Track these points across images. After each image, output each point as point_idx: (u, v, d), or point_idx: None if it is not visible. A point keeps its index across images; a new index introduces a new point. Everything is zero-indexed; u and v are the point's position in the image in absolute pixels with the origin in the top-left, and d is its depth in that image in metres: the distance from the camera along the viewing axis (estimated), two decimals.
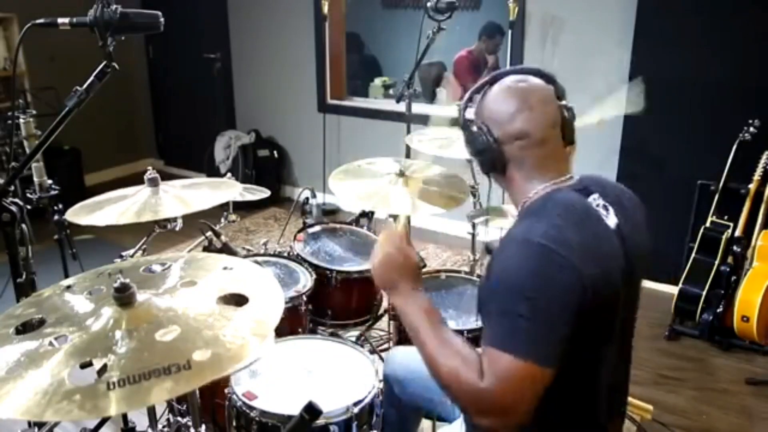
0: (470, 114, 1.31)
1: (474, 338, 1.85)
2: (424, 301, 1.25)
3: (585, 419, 1.28)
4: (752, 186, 3.02)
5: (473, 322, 2.00)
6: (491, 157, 1.26)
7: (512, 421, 1.07)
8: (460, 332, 1.92)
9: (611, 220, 1.23)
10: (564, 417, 1.23)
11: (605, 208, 1.24)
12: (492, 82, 1.31)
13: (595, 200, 1.24)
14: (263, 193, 2.49)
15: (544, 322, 1.07)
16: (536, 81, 1.29)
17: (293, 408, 1.43)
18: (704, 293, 3.01)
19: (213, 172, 4.99)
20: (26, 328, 1.15)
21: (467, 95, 1.34)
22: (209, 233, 2.05)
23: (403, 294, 1.27)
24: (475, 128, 1.27)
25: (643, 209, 1.33)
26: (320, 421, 1.42)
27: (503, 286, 1.12)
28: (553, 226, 1.14)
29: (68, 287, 1.27)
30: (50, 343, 1.07)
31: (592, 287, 1.10)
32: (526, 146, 1.25)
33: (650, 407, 2.47)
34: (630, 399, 2.45)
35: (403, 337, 2.07)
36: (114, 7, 1.37)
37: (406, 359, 1.70)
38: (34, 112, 2.16)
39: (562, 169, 1.28)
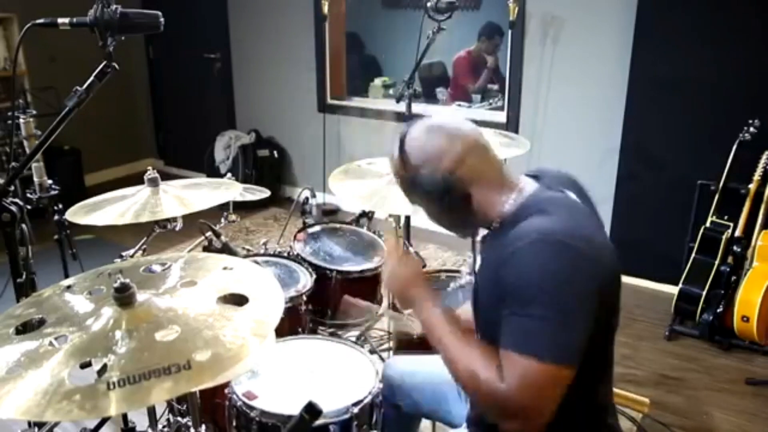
0: (412, 163, 1.26)
1: None
2: (443, 309, 1.28)
3: (601, 405, 1.30)
4: (752, 186, 3.02)
5: None
6: (453, 190, 1.23)
7: (536, 423, 1.07)
8: None
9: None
10: (585, 405, 1.24)
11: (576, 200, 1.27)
12: (403, 135, 1.29)
13: (571, 195, 1.26)
14: (263, 193, 2.49)
15: (566, 321, 1.07)
16: (445, 117, 1.30)
17: (293, 408, 1.43)
18: (704, 293, 3.01)
19: (213, 172, 4.99)
20: (26, 328, 1.15)
21: (397, 154, 1.29)
22: (209, 233, 2.04)
23: (423, 307, 1.30)
24: (425, 171, 1.24)
25: (589, 197, 1.34)
26: (320, 421, 1.42)
27: (524, 288, 1.09)
28: (559, 221, 1.13)
29: (68, 287, 1.27)
30: (50, 343, 1.07)
31: (606, 275, 1.13)
32: (475, 162, 1.24)
33: (646, 400, 2.47)
34: (626, 393, 2.46)
35: (402, 340, 2.07)
36: (114, 7, 1.37)
37: (408, 368, 1.70)
38: (34, 112, 2.16)
39: (509, 175, 1.27)
